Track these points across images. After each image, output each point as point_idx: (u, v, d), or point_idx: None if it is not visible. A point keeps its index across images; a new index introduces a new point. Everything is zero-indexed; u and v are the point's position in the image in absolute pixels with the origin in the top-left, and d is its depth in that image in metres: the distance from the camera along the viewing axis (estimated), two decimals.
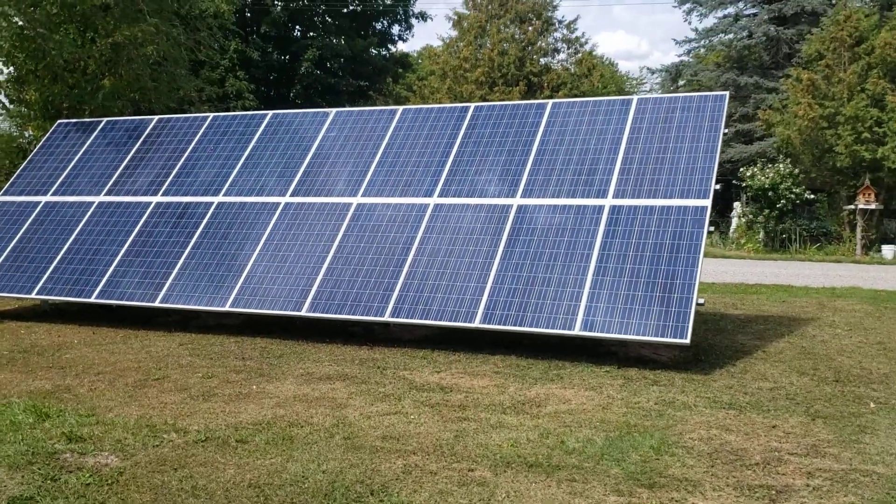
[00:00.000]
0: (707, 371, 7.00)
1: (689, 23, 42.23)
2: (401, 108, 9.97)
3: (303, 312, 8.09)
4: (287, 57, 31.86)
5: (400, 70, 34.75)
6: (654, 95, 8.76)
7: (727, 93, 8.63)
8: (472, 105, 9.57)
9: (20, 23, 12.85)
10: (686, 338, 6.76)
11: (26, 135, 19.08)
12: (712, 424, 5.40)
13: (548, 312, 7.24)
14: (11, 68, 14.61)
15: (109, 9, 14.04)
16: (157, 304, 8.62)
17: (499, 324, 7.32)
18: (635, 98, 8.84)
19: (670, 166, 7.98)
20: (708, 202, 7.62)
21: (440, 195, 8.65)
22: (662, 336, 6.85)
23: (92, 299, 8.94)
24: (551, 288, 7.40)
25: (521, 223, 8.03)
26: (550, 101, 9.16)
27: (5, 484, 4.19)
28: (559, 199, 8.09)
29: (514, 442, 4.97)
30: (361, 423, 5.36)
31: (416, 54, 43.54)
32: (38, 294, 9.26)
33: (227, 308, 8.35)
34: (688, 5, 30.73)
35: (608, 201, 7.89)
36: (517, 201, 8.23)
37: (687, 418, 5.54)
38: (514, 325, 7.26)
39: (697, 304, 6.99)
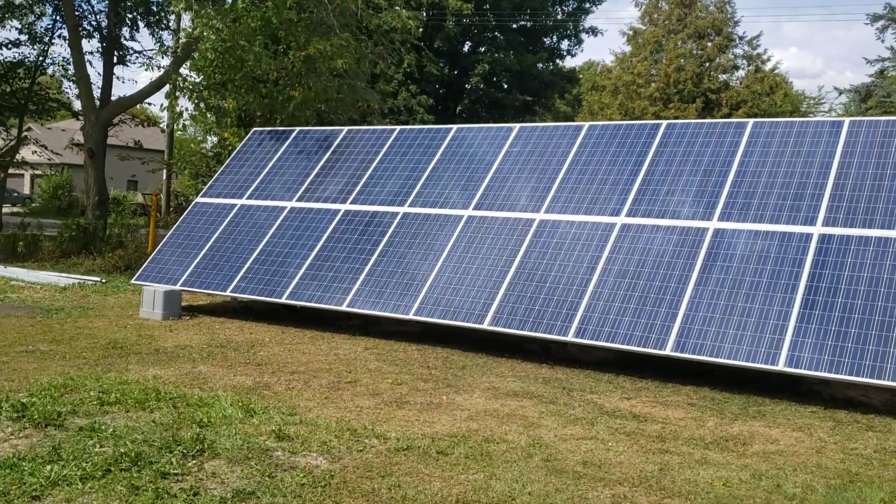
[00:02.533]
0: None
1: (883, 41, 39.50)
2: (587, 123, 9.81)
3: (484, 325, 8.08)
4: (456, 72, 32.40)
5: (567, 85, 34.52)
6: (870, 118, 8.14)
7: None
8: (664, 122, 9.26)
9: (224, 35, 13.70)
10: None
11: (209, 139, 20.35)
12: None
13: (748, 345, 6.83)
14: (201, 77, 15.60)
15: (294, 23, 14.72)
16: (344, 307, 8.88)
17: (693, 353, 6.99)
18: (847, 120, 8.25)
19: (889, 194, 7.37)
20: None
21: (628, 214, 8.40)
22: (878, 378, 6.30)
23: (282, 300, 9.33)
24: (752, 319, 6.99)
25: (717, 248, 7.66)
26: (751, 121, 8.70)
27: (227, 476, 4.37)
28: (761, 224, 7.65)
29: (726, 482, 4.68)
30: (558, 446, 5.23)
31: (577, 69, 43.11)
32: (232, 292, 9.77)
33: (410, 316, 8.47)
34: (882, 22, 28.65)
35: (817, 229, 7.38)
36: (714, 224, 7.86)
37: None
38: (710, 355, 6.91)
39: None
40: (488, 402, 6.35)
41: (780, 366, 6.61)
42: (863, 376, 6.35)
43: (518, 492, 4.35)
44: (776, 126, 8.50)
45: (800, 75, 73.85)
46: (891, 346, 6.41)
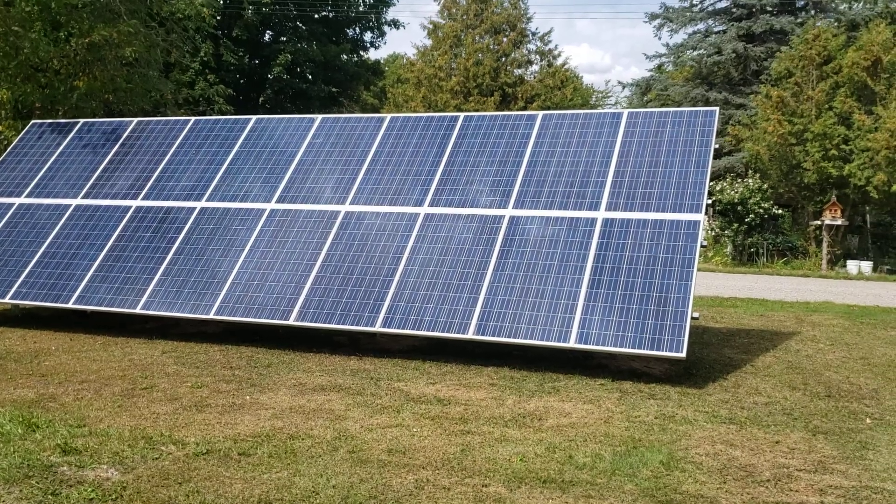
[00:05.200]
0: (700, 385, 7.02)
1: (660, 38, 42.87)
2: (389, 115, 9.90)
3: (290, 321, 7.96)
4: (258, 62, 31.58)
5: (372, 77, 34.65)
6: (645, 109, 8.81)
7: (717, 108, 8.70)
8: (462, 114, 9.52)
9: None
10: (682, 352, 6.77)
11: None
12: (716, 439, 5.40)
13: (542, 325, 7.20)
14: None
15: (77, 8, 13.74)
16: (138, 310, 8.41)
17: (493, 335, 7.26)
18: (626, 111, 8.86)
19: (662, 180, 8.01)
20: (700, 216, 7.66)
21: (430, 204, 8.57)
22: (658, 350, 6.85)
23: (70, 305, 8.69)
24: (545, 300, 7.37)
25: (513, 234, 8.00)
26: (541, 113, 9.15)
27: (3, 499, 4.01)
28: (551, 210, 8.07)
29: (523, 456, 4.91)
30: (364, 436, 5.26)
31: (383, 62, 43.45)
32: (11, 299, 8.99)
33: (211, 316, 8.18)
34: (658, 21, 31.12)
35: (601, 214, 7.90)
36: (509, 212, 8.20)
37: (690, 433, 5.54)
38: (509, 336, 7.21)
39: (692, 318, 7.00)
40: (294, 398, 6.26)
41: (572, 343, 7.02)
42: (644, 348, 6.88)
43: (322, 486, 4.32)
44: (563, 118, 8.99)
45: (591, 70, 78.48)
46: (667, 319, 6.99)
